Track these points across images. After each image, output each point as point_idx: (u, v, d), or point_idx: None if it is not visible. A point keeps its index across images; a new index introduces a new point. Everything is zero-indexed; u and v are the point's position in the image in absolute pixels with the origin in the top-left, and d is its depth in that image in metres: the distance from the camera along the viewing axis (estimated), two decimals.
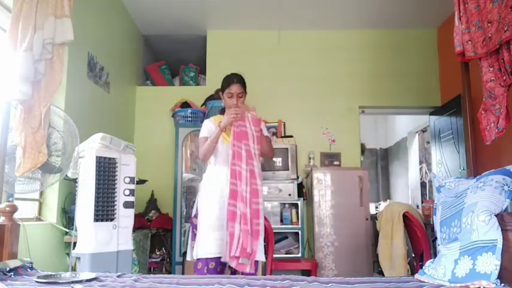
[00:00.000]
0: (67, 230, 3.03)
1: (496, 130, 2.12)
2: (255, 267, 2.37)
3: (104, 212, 2.56)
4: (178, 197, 4.34)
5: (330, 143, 4.81)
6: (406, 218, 3.24)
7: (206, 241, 2.49)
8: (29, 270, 1.85)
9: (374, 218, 4.23)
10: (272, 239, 3.75)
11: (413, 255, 3.48)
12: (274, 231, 3.85)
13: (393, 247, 3.27)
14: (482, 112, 2.23)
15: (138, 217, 3.78)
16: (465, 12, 2.28)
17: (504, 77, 2.06)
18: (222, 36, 5.15)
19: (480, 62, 2.20)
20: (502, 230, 1.52)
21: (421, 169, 6.13)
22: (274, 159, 4.54)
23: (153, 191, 4.59)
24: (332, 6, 4.57)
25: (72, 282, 1.67)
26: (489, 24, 2.08)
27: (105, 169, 2.60)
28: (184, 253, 4.07)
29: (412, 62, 5.07)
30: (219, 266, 2.49)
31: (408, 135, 6.48)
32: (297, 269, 3.86)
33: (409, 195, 6.44)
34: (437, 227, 1.87)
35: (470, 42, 2.24)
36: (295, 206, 4.37)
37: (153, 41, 5.54)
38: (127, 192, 2.72)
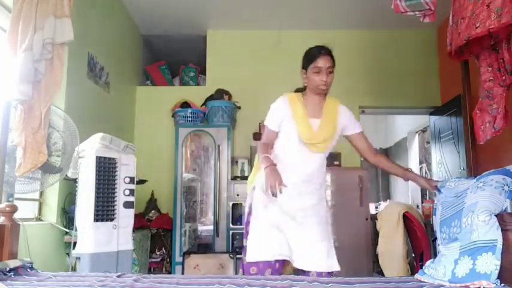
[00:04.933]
0: (67, 230, 3.03)
1: (493, 130, 2.12)
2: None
3: (104, 212, 2.56)
4: (178, 197, 4.34)
5: None
6: (406, 218, 3.24)
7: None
8: (29, 270, 1.85)
9: (374, 218, 4.23)
10: None
11: (413, 255, 3.48)
12: None
13: (393, 247, 3.27)
14: (477, 112, 2.23)
15: (138, 217, 3.78)
16: (455, 12, 2.29)
17: (504, 77, 2.06)
18: (222, 36, 5.15)
19: (478, 61, 2.20)
20: (502, 230, 1.52)
21: (421, 169, 6.13)
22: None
23: (153, 191, 4.59)
24: (332, 6, 4.57)
25: None
26: (462, 21, 2.09)
27: (105, 169, 2.61)
28: (185, 253, 4.07)
29: (412, 62, 5.07)
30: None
31: (408, 135, 6.48)
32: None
33: (409, 195, 6.44)
34: (437, 227, 1.87)
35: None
36: None
37: (153, 41, 5.54)
38: (127, 192, 2.72)
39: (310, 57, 2.16)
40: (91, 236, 2.49)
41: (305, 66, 2.19)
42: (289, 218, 2.05)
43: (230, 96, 4.81)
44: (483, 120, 2.19)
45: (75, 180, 2.64)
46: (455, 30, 2.17)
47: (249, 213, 2.17)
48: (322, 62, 2.11)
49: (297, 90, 2.33)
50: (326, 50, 2.18)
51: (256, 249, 2.03)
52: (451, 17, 2.33)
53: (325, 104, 2.18)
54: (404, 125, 6.63)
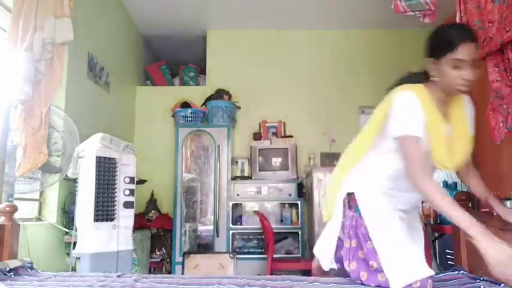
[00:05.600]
0: (67, 230, 3.03)
1: (506, 130, 2.10)
2: None
3: (104, 212, 2.56)
4: (178, 197, 4.34)
5: (329, 143, 4.81)
6: None
7: None
8: (29, 270, 1.85)
9: None
10: (272, 239, 3.76)
11: None
12: (274, 231, 3.86)
13: None
14: (490, 112, 2.21)
15: (138, 217, 3.78)
16: (465, 13, 2.27)
17: (510, 77, 2.05)
18: (222, 36, 5.15)
19: (485, 62, 2.19)
20: (502, 230, 1.52)
21: None
22: (274, 159, 4.55)
23: (153, 191, 4.59)
24: (332, 6, 4.57)
25: None
26: (490, 25, 2.07)
27: (105, 169, 2.60)
28: (185, 253, 4.06)
29: (412, 62, 5.05)
30: None
31: None
32: (297, 269, 3.85)
33: None
34: None
35: None
36: (295, 206, 4.37)
37: (153, 41, 5.54)
38: (127, 192, 2.72)
39: (447, 43, 1.52)
40: (91, 236, 2.49)
41: (437, 54, 1.59)
42: (414, 231, 1.82)
43: (230, 96, 4.81)
44: (496, 120, 2.16)
45: (75, 180, 2.64)
46: (484, 34, 2.12)
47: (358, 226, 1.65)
48: (466, 53, 1.46)
49: (414, 76, 1.72)
50: (471, 34, 1.50)
51: (418, 266, 1.48)
52: (458, 18, 2.31)
53: (453, 100, 1.62)
54: None
